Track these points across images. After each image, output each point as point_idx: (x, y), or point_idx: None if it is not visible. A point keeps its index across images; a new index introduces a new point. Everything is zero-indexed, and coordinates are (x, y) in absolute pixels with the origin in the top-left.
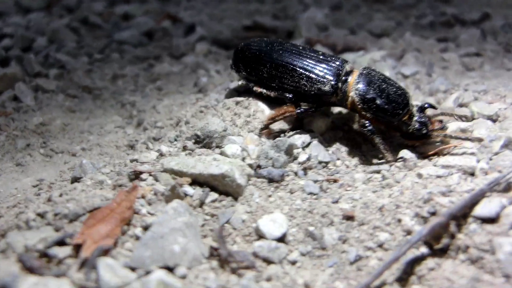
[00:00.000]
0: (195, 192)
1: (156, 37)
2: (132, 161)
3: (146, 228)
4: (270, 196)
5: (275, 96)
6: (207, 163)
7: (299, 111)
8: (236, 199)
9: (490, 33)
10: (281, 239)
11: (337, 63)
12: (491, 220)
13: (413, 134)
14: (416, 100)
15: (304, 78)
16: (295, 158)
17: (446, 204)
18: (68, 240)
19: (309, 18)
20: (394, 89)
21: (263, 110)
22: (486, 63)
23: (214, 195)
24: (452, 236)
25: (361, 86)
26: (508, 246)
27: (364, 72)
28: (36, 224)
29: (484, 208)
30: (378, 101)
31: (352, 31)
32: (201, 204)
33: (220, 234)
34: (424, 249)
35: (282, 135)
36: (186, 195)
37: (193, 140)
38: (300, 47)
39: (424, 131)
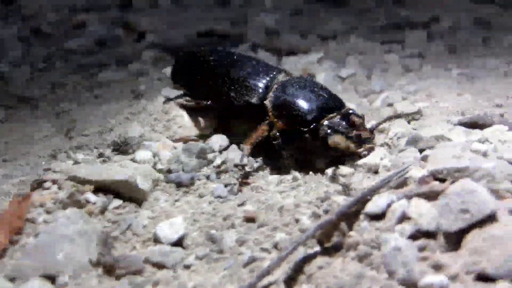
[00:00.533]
0: (98, 199)
1: (108, 45)
2: (45, 170)
3: (37, 236)
4: (177, 200)
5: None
6: (113, 170)
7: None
8: (140, 204)
9: (437, 35)
10: (178, 243)
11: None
12: (379, 216)
13: (324, 144)
14: (351, 101)
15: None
16: (211, 161)
17: (341, 202)
18: None
19: (259, 23)
20: (309, 96)
21: (183, 115)
22: (426, 64)
23: (118, 202)
24: (344, 234)
25: (274, 94)
26: (393, 242)
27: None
28: None
29: (373, 205)
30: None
31: (303, 35)
32: (103, 211)
33: (103, 240)
34: (316, 248)
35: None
36: (88, 202)
37: (112, 148)
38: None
39: (330, 138)
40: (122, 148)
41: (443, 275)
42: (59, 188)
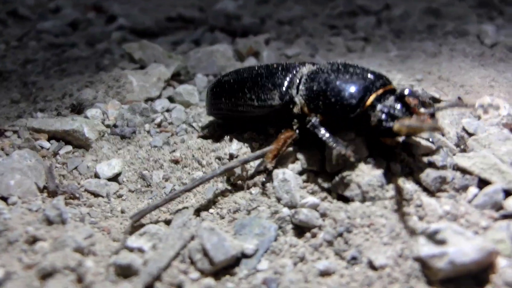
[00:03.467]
0: (51, 146)
1: (80, 27)
2: (10, 126)
3: None
4: (119, 149)
5: None
6: (64, 122)
7: (297, 131)
8: (87, 150)
9: (386, 21)
10: (113, 179)
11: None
12: (278, 160)
13: (378, 130)
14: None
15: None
16: (153, 120)
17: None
18: None
19: (221, 9)
20: (346, 77)
21: (131, 82)
22: (369, 46)
23: (68, 148)
24: (246, 174)
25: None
26: (281, 175)
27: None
28: None
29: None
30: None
31: (262, 20)
32: (55, 154)
33: (49, 170)
34: (225, 185)
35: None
36: (42, 147)
37: (70, 109)
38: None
39: (389, 124)
40: (78, 108)
41: (317, 197)
42: (18, 136)
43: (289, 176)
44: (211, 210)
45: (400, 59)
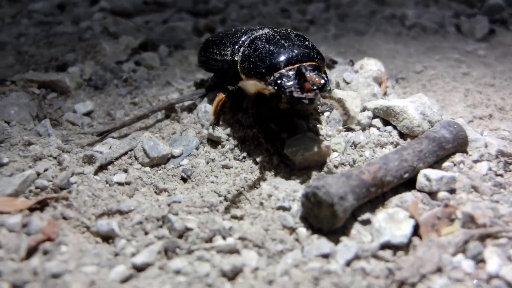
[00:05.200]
0: (41, 92)
1: (66, 9)
2: (8, 77)
3: None
4: (93, 96)
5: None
6: (50, 75)
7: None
8: (68, 97)
9: (334, 6)
10: (87, 114)
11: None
12: (203, 96)
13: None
14: None
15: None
16: (121, 77)
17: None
18: None
19: None
20: (270, 49)
21: (105, 48)
22: (313, 27)
23: (54, 94)
24: (181, 109)
25: (243, 48)
26: (203, 108)
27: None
28: None
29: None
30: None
31: (227, 4)
32: (44, 98)
33: (39, 104)
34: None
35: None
36: (34, 93)
37: (56, 68)
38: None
39: (276, 92)
40: (61, 67)
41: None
42: (15, 85)
43: (209, 108)
44: (156, 134)
45: (334, 37)
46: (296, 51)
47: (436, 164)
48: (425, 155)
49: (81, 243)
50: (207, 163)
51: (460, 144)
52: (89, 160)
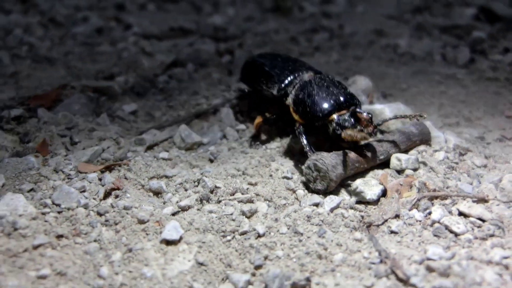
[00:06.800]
0: (95, 95)
1: (104, 32)
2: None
3: None
4: (136, 100)
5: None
6: (103, 83)
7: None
8: (116, 100)
9: (337, 36)
10: (133, 113)
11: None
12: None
13: (334, 135)
14: None
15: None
16: (158, 87)
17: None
18: None
19: (211, 22)
20: (322, 96)
21: (144, 63)
22: (318, 53)
23: (105, 97)
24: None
25: (295, 92)
26: (225, 111)
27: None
28: None
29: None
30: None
31: (243, 32)
32: (98, 100)
33: (97, 103)
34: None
35: None
36: (90, 96)
37: (104, 78)
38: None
39: (338, 132)
40: (109, 77)
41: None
42: (75, 89)
43: (230, 111)
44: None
45: (335, 62)
46: (344, 97)
47: (405, 152)
48: (397, 143)
49: (139, 195)
50: (229, 150)
51: (424, 138)
52: (140, 142)
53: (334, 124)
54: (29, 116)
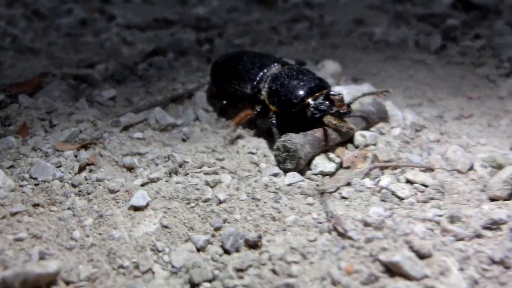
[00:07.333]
0: (75, 82)
1: (88, 24)
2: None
3: None
4: (115, 87)
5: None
6: (83, 71)
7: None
8: (96, 87)
9: (317, 26)
10: (112, 99)
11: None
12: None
13: (313, 118)
14: None
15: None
16: (137, 74)
17: None
18: None
19: (194, 13)
20: (294, 84)
21: (124, 51)
22: (297, 41)
23: (85, 85)
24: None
25: (268, 85)
26: (199, 94)
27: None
28: None
29: None
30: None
31: (225, 22)
32: (78, 87)
33: (76, 90)
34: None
35: None
36: (70, 83)
37: (85, 66)
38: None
39: (317, 115)
40: (90, 66)
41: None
42: (55, 77)
43: (203, 94)
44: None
45: (313, 50)
46: (315, 82)
47: (366, 129)
48: (358, 122)
49: (113, 170)
50: (201, 130)
51: (382, 116)
52: (116, 124)
53: (311, 108)
54: (10, 102)
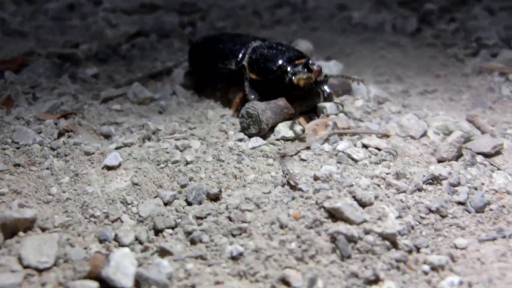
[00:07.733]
0: (59, 61)
1: (76, 8)
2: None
3: None
4: (99, 65)
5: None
6: (68, 50)
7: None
8: (80, 66)
9: (300, 10)
10: (94, 76)
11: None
12: None
13: (289, 85)
14: None
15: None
16: (120, 54)
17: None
18: None
19: None
20: (273, 54)
21: (108, 33)
22: (278, 26)
23: (69, 63)
24: (163, 72)
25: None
26: (177, 71)
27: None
28: None
29: None
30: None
31: (210, 7)
32: (62, 65)
33: (60, 67)
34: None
35: None
36: (55, 61)
37: (70, 46)
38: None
39: (294, 80)
40: (74, 46)
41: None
42: (41, 56)
43: (181, 71)
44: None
45: (293, 33)
46: (294, 52)
47: (328, 100)
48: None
49: (91, 138)
50: (177, 104)
51: (345, 88)
52: (97, 97)
53: (290, 74)
54: None
